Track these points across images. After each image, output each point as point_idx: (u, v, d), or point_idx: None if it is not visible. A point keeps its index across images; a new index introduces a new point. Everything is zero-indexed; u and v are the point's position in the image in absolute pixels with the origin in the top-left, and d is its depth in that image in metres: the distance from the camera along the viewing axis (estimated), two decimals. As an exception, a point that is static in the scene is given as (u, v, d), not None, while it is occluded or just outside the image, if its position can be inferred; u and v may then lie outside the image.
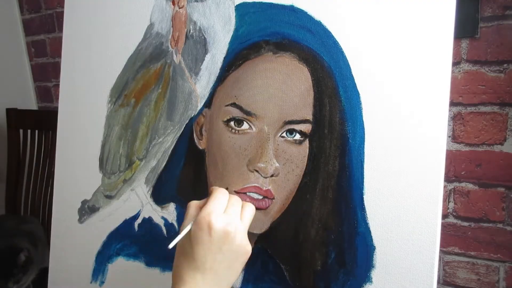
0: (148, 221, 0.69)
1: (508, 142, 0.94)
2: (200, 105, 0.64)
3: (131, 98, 0.71)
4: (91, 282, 0.75)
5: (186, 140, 0.65)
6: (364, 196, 0.52)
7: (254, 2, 0.59)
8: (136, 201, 0.70)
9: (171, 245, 0.46)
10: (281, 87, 0.57)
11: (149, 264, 0.69)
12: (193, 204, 0.50)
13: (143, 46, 0.70)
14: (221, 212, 0.47)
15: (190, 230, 0.47)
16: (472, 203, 1.00)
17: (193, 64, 0.64)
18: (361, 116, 0.52)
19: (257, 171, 0.58)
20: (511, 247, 0.97)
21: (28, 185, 1.49)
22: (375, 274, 0.52)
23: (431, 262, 0.49)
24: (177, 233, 0.48)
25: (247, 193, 0.58)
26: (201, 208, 0.49)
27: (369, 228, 0.52)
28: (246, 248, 0.47)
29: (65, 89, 0.81)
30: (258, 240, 0.60)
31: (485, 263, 1.01)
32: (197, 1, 0.64)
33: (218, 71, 0.62)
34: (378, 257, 0.52)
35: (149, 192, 0.69)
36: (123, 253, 0.72)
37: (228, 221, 0.47)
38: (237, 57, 0.60)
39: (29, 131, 1.49)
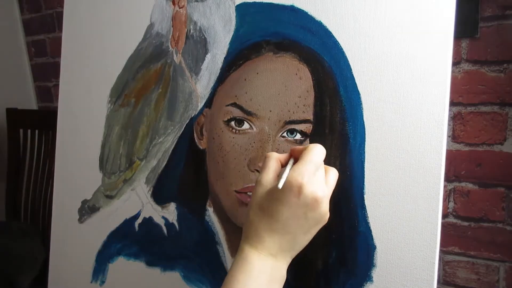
0: (148, 221, 0.69)
1: (508, 142, 0.94)
2: (200, 105, 0.64)
3: (131, 98, 0.71)
4: (91, 282, 0.75)
5: (186, 140, 0.65)
6: (365, 196, 0.52)
7: (254, 2, 0.59)
8: (137, 201, 0.70)
9: (280, 185, 0.43)
10: (282, 87, 0.57)
11: (149, 263, 0.69)
12: (274, 157, 0.47)
13: (143, 46, 0.70)
14: (313, 175, 0.44)
15: (275, 188, 0.44)
16: (472, 203, 1.00)
17: (193, 64, 0.64)
18: (362, 116, 0.52)
19: (257, 171, 0.58)
20: (511, 247, 0.97)
21: (28, 185, 1.49)
22: (375, 273, 0.52)
23: (431, 261, 0.49)
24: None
25: (248, 193, 0.58)
26: (281, 162, 0.47)
27: (369, 227, 0.52)
28: (326, 217, 0.46)
29: (65, 89, 0.81)
30: (259, 240, 0.60)
31: (485, 262, 1.01)
32: (198, 1, 0.64)
33: (219, 71, 0.62)
34: (379, 257, 0.52)
35: (150, 192, 0.69)
36: (124, 252, 0.72)
37: (318, 187, 0.44)
38: (238, 57, 0.60)
39: (29, 131, 1.49)
